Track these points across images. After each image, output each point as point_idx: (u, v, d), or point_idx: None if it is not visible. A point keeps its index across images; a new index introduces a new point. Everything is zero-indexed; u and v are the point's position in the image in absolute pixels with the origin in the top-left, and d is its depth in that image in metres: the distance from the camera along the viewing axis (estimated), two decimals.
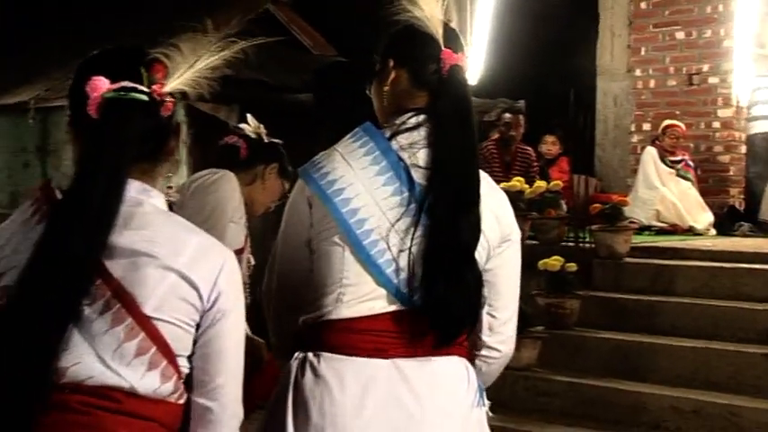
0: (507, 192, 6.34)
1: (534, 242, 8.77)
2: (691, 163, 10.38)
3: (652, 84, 11.37)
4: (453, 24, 2.72)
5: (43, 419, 2.04)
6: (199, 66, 2.27)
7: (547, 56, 12.02)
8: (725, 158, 10.98)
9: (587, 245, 8.50)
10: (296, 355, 2.75)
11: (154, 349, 2.12)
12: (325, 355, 2.68)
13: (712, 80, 10.87)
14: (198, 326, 2.19)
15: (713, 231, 9.96)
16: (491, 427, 2.94)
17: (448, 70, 2.80)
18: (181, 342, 2.17)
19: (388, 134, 2.80)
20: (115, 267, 2.11)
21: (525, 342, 7.33)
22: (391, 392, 2.67)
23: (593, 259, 8.30)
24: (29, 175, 12.50)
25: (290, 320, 2.86)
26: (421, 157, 2.74)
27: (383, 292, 2.68)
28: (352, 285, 2.70)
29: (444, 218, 2.69)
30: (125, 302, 2.10)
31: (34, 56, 13.35)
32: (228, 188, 4.71)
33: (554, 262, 7.67)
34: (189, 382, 2.23)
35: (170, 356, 2.15)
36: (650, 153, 10.23)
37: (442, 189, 2.73)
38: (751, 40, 10.63)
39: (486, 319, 2.85)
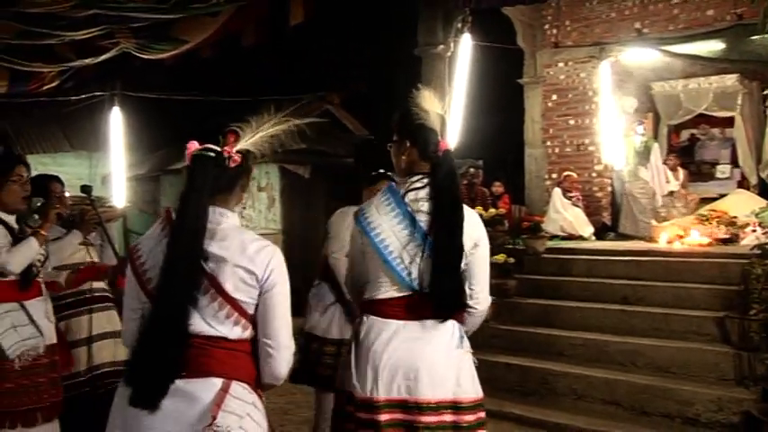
0: None
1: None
2: (580, 197, 10.57)
3: (557, 150, 11.53)
4: (442, 110, 3.07)
5: (184, 353, 2.30)
6: (258, 136, 2.49)
7: (496, 132, 12.17)
8: (599, 194, 11.25)
9: (520, 247, 8.63)
10: (360, 317, 3.11)
11: (236, 314, 2.36)
12: (371, 317, 3.03)
13: (591, 148, 11.08)
14: (259, 294, 2.39)
15: (593, 238, 10.12)
16: None
17: (443, 152, 3.03)
18: (250, 307, 2.39)
19: (402, 191, 3.05)
20: (208, 265, 2.33)
21: None
22: (404, 338, 2.98)
23: (523, 256, 8.48)
24: None
25: (358, 298, 3.19)
26: (425, 207, 2.99)
27: (399, 285, 2.98)
28: (384, 282, 3.02)
29: (442, 246, 2.96)
30: (216, 288, 2.33)
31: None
32: None
33: (500, 257, 7.90)
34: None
35: (245, 316, 2.39)
36: (557, 192, 10.48)
37: (440, 228, 2.97)
38: (609, 129, 10.77)
39: (468, 291, 3.09)
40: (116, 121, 10.98)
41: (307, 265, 11.87)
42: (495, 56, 11.50)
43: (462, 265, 3.06)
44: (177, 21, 8.46)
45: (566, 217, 10.19)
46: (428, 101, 3.10)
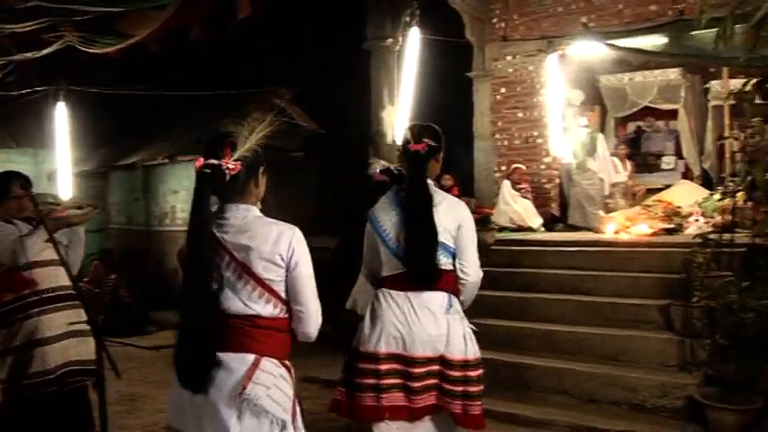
0: None
1: None
2: (529, 189, 10.70)
3: (506, 143, 11.57)
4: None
5: (221, 331, 2.72)
6: (249, 144, 2.81)
7: (445, 125, 12.20)
8: (548, 186, 11.29)
9: None
10: (375, 292, 3.92)
11: (267, 294, 2.78)
12: (382, 289, 3.85)
13: (539, 141, 11.17)
14: (286, 271, 2.80)
15: (543, 229, 10.23)
16: None
17: (412, 153, 3.86)
18: (279, 286, 2.81)
19: (396, 190, 3.98)
20: (239, 255, 2.76)
21: None
22: (404, 304, 3.78)
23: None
24: (137, 206, 12.52)
25: (372, 276, 4.04)
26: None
27: (398, 263, 3.79)
28: (387, 262, 3.85)
29: (403, 227, 3.80)
30: (247, 272, 2.76)
31: (137, 138, 13.38)
32: None
33: None
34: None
35: (276, 295, 2.81)
36: (506, 184, 10.58)
37: (412, 214, 3.81)
38: (556, 121, 10.92)
39: (458, 265, 3.84)
40: (61, 117, 10.84)
41: None
42: (444, 49, 11.58)
43: (452, 244, 3.82)
44: (123, 14, 8.38)
45: (515, 209, 10.27)
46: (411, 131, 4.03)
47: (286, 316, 2.86)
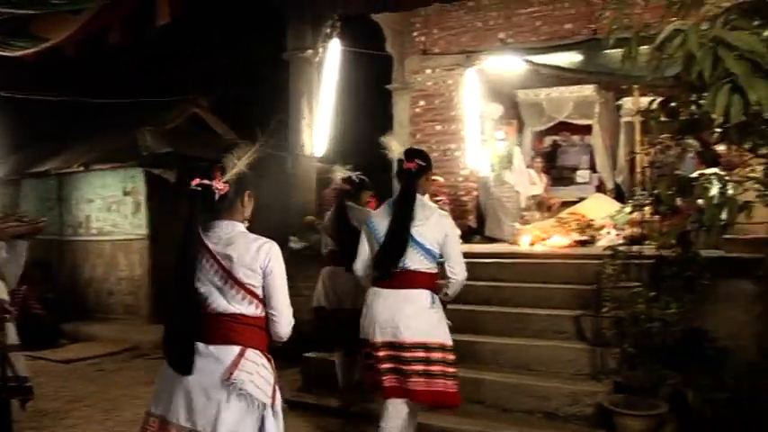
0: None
1: None
2: (447, 201, 10.81)
3: None
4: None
5: (206, 327, 3.26)
6: (236, 169, 3.30)
7: (364, 137, 12.30)
8: (465, 198, 11.46)
9: None
10: (368, 289, 4.88)
11: (248, 296, 3.29)
12: (373, 288, 4.84)
13: (457, 153, 11.33)
14: (263, 277, 3.30)
15: (460, 240, 10.34)
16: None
17: (404, 170, 4.80)
18: (259, 290, 3.31)
19: (392, 201, 4.89)
20: (225, 263, 3.27)
21: None
22: (392, 301, 4.68)
23: None
24: (50, 215, 12.22)
25: (367, 279, 4.94)
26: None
27: None
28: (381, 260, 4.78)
29: (393, 233, 4.67)
30: (231, 277, 3.26)
31: (52, 144, 13.06)
32: None
33: None
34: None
35: (257, 298, 3.32)
36: (424, 196, 10.62)
37: (394, 221, 4.70)
38: (474, 135, 11.09)
39: (447, 268, 4.81)
40: None
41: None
42: (364, 61, 11.68)
43: (437, 251, 4.72)
44: (37, 17, 8.22)
45: None
46: (396, 147, 5.06)
47: (265, 315, 3.37)
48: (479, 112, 11.40)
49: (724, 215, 4.40)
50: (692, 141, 9.67)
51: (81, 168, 12.29)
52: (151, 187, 11.78)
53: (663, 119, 4.89)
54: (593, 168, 12.77)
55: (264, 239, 3.37)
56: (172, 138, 11.69)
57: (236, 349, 3.24)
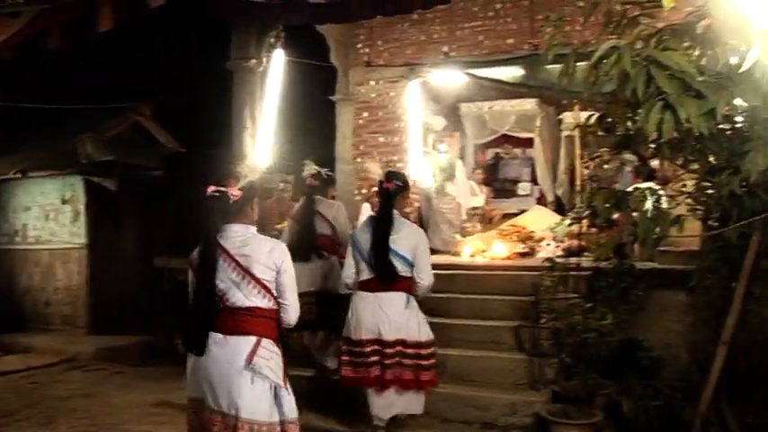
0: (280, 230, 6.97)
1: None
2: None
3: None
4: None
5: (225, 320, 3.78)
6: (248, 178, 3.92)
7: (307, 148, 12.29)
8: (407, 210, 11.32)
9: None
10: (353, 294, 5.69)
11: (263, 291, 3.82)
12: (358, 292, 5.65)
13: (400, 165, 11.34)
14: (276, 274, 3.85)
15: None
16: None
17: (384, 189, 5.64)
18: (272, 285, 3.85)
19: (371, 218, 5.86)
20: (242, 262, 3.79)
21: None
22: (375, 303, 5.51)
23: None
24: None
25: (354, 285, 5.70)
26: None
27: (370, 271, 5.56)
28: (362, 270, 5.61)
29: (376, 249, 5.51)
30: (249, 274, 3.79)
31: None
32: None
33: None
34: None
35: (270, 292, 3.85)
36: (365, 206, 10.58)
37: (374, 236, 5.55)
38: (417, 147, 11.17)
39: (415, 274, 5.56)
40: None
41: (115, 280, 11.57)
42: (308, 72, 11.68)
43: (411, 258, 5.50)
44: None
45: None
46: (375, 171, 6.67)
47: (276, 308, 3.89)
48: (422, 124, 11.50)
49: (658, 228, 4.52)
50: (629, 156, 9.90)
51: (18, 175, 12.03)
52: (91, 196, 11.59)
53: (600, 134, 5.02)
54: (534, 181, 12.95)
55: (275, 241, 4.00)
56: (113, 145, 11.52)
57: (253, 339, 3.77)
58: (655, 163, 8.78)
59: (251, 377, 3.70)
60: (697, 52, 4.06)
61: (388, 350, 5.48)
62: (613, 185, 9.78)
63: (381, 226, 5.54)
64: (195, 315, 3.82)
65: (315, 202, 7.30)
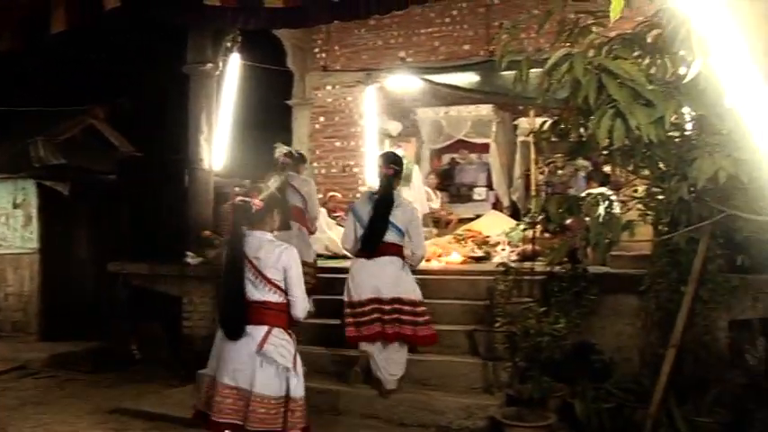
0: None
1: None
2: (345, 217, 10.86)
3: (323, 171, 11.82)
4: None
5: (247, 312, 4.46)
6: (269, 191, 4.61)
7: (263, 152, 12.26)
8: None
9: None
10: (353, 260, 6.52)
11: (274, 288, 4.50)
12: (356, 258, 6.46)
13: (356, 170, 11.42)
14: (284, 273, 4.50)
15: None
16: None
17: (383, 174, 6.46)
18: (281, 283, 4.50)
19: (370, 194, 6.57)
20: (256, 264, 4.48)
21: None
22: (371, 267, 6.31)
23: None
24: None
25: (350, 247, 6.54)
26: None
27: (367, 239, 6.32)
28: (360, 238, 6.34)
29: (376, 221, 6.29)
30: (261, 275, 4.49)
31: None
32: None
33: None
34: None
35: (280, 289, 4.52)
36: (322, 212, 10.64)
37: (376, 211, 6.32)
38: (375, 149, 11.22)
39: (410, 246, 6.42)
40: None
41: (68, 285, 11.40)
42: (265, 76, 11.67)
43: (404, 229, 6.35)
44: None
45: (331, 236, 10.26)
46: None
47: (286, 302, 4.52)
48: (379, 128, 11.54)
49: (610, 233, 4.60)
50: (582, 162, 10.04)
51: None
52: (43, 200, 11.41)
53: (554, 140, 5.09)
54: (489, 186, 13.04)
55: (285, 245, 4.58)
56: (66, 149, 11.37)
57: (265, 328, 4.44)
58: (608, 168, 8.92)
59: (261, 361, 4.38)
60: (647, 61, 4.15)
61: (386, 306, 6.26)
62: (568, 190, 9.95)
63: (383, 204, 6.33)
64: (232, 307, 4.51)
65: (288, 177, 7.64)
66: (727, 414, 5.80)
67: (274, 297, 4.49)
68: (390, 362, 6.43)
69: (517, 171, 12.39)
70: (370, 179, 11.31)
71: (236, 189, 10.53)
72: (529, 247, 7.71)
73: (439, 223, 11.49)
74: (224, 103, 10.00)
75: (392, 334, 6.27)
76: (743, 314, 6.58)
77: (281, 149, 8.03)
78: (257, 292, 4.48)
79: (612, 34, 4.44)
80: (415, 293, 6.41)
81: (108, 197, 11.78)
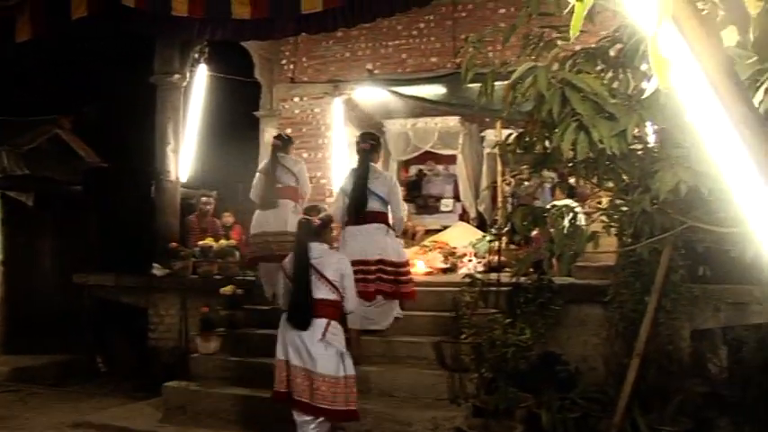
0: (202, 247, 6.97)
1: (218, 277, 8.93)
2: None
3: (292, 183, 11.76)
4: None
5: (312, 307, 5.45)
6: (325, 213, 5.87)
7: (230, 165, 12.23)
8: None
9: (250, 277, 8.68)
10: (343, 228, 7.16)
11: (332, 288, 5.51)
12: (347, 227, 7.11)
13: (323, 181, 11.34)
14: (340, 277, 5.55)
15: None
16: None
17: (361, 149, 7.30)
18: (337, 284, 5.53)
19: (354, 168, 7.34)
20: (318, 268, 5.49)
21: (212, 338, 7.53)
22: (358, 234, 7.00)
23: (253, 286, 8.46)
24: None
25: (339, 217, 7.11)
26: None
27: (353, 209, 7.03)
28: (347, 208, 7.10)
29: (356, 189, 7.06)
30: (323, 277, 5.49)
31: None
32: None
33: (229, 288, 7.93)
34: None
35: (336, 289, 5.53)
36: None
37: (356, 182, 7.12)
38: (341, 163, 11.21)
39: (391, 210, 7.15)
40: None
41: (32, 297, 11.25)
42: (233, 87, 11.63)
43: (386, 198, 7.11)
44: None
45: None
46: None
47: (340, 299, 5.57)
48: (346, 140, 11.54)
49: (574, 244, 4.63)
50: (548, 173, 10.11)
51: None
52: (7, 210, 11.27)
53: (519, 152, 5.12)
54: (456, 197, 13.11)
55: (340, 255, 5.96)
56: (30, 159, 11.24)
57: (325, 321, 5.47)
58: (573, 180, 9.00)
59: (324, 346, 5.40)
60: (609, 75, 4.19)
61: (371, 267, 6.93)
62: (534, 202, 10.02)
63: (361, 174, 7.15)
64: (300, 304, 5.49)
65: (279, 158, 8.54)
66: (689, 422, 5.87)
67: (332, 295, 5.53)
68: (378, 314, 7.16)
69: (484, 182, 12.46)
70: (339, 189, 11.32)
71: (204, 200, 10.51)
72: (495, 258, 7.76)
73: (406, 234, 11.50)
74: (191, 113, 9.97)
75: (374, 291, 6.94)
76: (705, 324, 6.67)
77: (273, 132, 9.41)
78: (319, 292, 5.48)
79: (578, 48, 4.48)
80: (398, 256, 7.18)
81: (74, 208, 11.66)
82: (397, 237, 7.34)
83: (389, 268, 7.02)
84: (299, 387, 5.43)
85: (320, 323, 5.43)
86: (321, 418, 5.53)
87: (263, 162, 8.98)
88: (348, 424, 5.82)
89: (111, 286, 9.45)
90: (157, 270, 9.11)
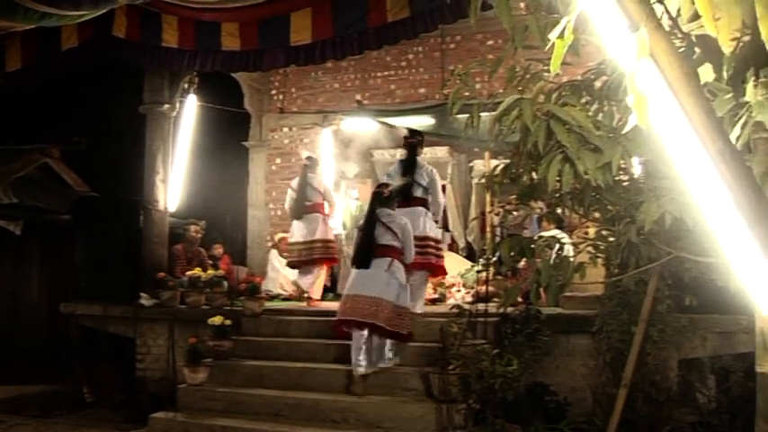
0: (191, 277, 6.91)
1: (206, 307, 8.89)
2: None
3: (279, 213, 11.79)
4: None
5: (376, 250, 7.04)
6: (393, 186, 7.58)
7: (219, 195, 12.22)
8: None
9: (238, 308, 8.62)
10: None
11: (396, 237, 7.05)
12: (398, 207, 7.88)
13: None
14: (402, 231, 7.08)
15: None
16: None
17: (408, 142, 8.42)
18: (399, 235, 7.06)
19: (400, 161, 8.56)
20: (387, 223, 7.09)
21: (200, 369, 7.46)
22: (407, 213, 7.71)
23: (241, 317, 8.40)
24: None
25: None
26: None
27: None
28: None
29: (405, 178, 8.08)
30: (390, 230, 7.04)
31: None
32: None
33: (217, 319, 7.84)
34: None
35: (397, 238, 7.05)
36: (273, 252, 10.66)
37: (401, 171, 8.21)
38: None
39: (430, 199, 8.17)
40: None
41: (18, 326, 11.20)
42: (222, 117, 11.66)
43: (427, 186, 8.21)
44: None
45: (285, 275, 10.33)
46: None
47: (401, 247, 7.03)
48: (335, 170, 11.57)
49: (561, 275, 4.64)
50: (535, 204, 10.12)
51: None
52: None
53: (506, 182, 5.15)
54: (445, 227, 13.08)
55: (402, 217, 7.28)
56: (19, 188, 11.19)
57: (389, 259, 6.95)
58: (560, 211, 9.02)
59: (387, 277, 6.85)
60: (594, 107, 4.23)
61: (420, 243, 7.86)
62: (523, 232, 10.04)
63: (408, 165, 8.21)
64: (363, 247, 7.11)
65: (308, 178, 9.51)
66: None
67: (394, 242, 7.03)
68: (414, 288, 7.80)
69: (473, 212, 12.46)
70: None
71: (193, 228, 10.48)
72: (483, 288, 7.75)
73: None
74: (180, 143, 9.97)
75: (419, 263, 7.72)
76: (692, 353, 6.68)
77: (304, 153, 10.03)
78: (383, 239, 7.02)
79: (564, 80, 4.53)
80: (435, 233, 8.27)
81: (62, 237, 11.62)
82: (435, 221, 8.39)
83: (431, 243, 8.05)
84: (366, 310, 6.77)
85: (385, 260, 6.92)
86: (372, 334, 6.88)
87: (294, 180, 9.83)
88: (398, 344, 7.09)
89: (99, 316, 9.39)
90: (145, 300, 9.07)
